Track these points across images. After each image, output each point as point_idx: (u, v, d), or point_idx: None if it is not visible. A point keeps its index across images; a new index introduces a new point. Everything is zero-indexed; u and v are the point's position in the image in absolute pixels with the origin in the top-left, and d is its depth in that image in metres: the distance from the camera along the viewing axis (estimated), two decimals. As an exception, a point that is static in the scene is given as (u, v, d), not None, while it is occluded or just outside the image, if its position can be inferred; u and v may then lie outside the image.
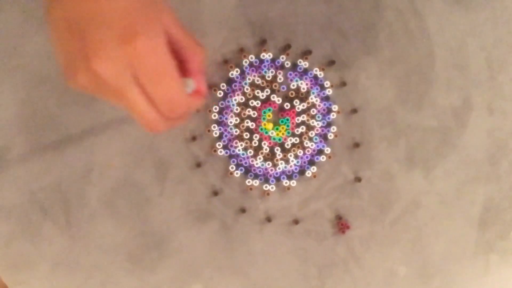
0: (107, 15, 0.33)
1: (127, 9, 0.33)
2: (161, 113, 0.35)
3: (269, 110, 0.52)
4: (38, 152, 0.52)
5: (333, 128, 0.53)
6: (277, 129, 0.53)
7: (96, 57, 0.33)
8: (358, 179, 0.54)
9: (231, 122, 0.52)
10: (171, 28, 0.35)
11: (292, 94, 0.53)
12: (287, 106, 0.53)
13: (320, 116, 0.53)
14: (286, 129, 0.53)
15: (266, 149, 0.53)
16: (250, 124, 0.52)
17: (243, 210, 0.53)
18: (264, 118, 0.52)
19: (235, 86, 0.52)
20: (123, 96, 0.34)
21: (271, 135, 0.53)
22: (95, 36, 0.33)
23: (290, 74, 0.53)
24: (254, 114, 0.52)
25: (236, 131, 0.53)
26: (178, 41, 0.36)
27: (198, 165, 0.53)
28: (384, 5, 0.53)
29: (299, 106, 0.53)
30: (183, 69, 0.36)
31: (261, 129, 0.53)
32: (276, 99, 0.52)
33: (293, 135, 0.53)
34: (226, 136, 0.53)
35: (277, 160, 0.53)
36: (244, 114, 0.52)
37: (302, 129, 0.53)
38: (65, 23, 0.34)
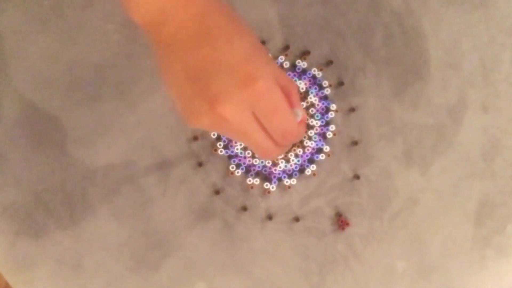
0: (227, 63, 0.37)
1: (244, 56, 0.37)
2: (275, 141, 0.40)
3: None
4: (42, 153, 0.52)
5: (332, 127, 0.54)
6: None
7: (221, 103, 0.36)
8: (357, 177, 0.55)
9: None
10: (276, 69, 0.39)
11: (291, 94, 0.54)
12: (286, 105, 0.54)
13: (319, 115, 0.54)
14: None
15: (266, 148, 0.54)
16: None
17: (244, 209, 0.54)
18: None
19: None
20: (245, 132, 0.38)
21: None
22: (217, 84, 0.36)
23: (289, 74, 0.54)
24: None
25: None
26: (281, 79, 0.39)
27: (200, 164, 0.54)
28: (380, 7, 0.54)
29: (298, 105, 0.54)
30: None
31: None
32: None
33: (293, 134, 0.54)
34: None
35: (277, 159, 0.54)
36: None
37: (301, 128, 0.54)
38: (185, 74, 0.37)
